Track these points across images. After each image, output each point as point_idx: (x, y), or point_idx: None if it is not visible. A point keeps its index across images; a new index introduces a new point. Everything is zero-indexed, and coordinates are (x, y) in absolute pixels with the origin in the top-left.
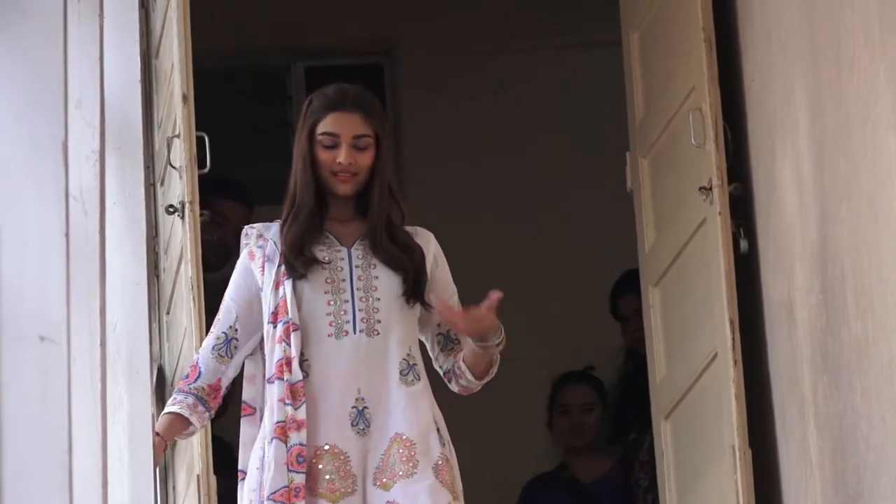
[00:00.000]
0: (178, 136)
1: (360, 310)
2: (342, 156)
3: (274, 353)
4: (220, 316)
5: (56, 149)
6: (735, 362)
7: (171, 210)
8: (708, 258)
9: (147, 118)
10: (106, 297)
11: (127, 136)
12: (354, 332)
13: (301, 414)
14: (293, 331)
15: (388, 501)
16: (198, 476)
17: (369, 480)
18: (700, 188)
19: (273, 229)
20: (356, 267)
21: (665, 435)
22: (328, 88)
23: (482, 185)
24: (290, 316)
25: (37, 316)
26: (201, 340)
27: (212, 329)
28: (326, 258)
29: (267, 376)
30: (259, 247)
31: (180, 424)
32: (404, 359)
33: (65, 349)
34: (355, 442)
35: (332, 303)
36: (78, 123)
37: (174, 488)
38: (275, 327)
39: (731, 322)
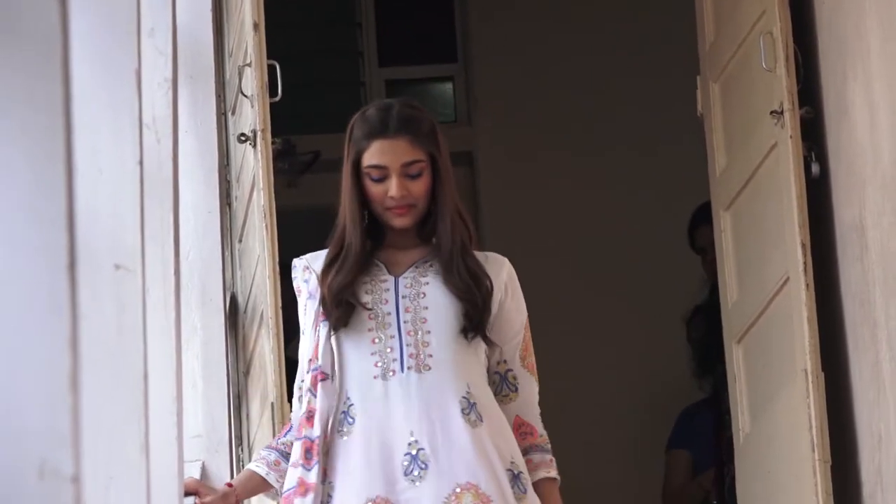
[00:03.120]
0: (249, 64)
1: (407, 345)
2: (393, 189)
3: (302, 405)
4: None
5: (129, 77)
6: (807, 285)
7: (243, 139)
8: (779, 182)
9: (218, 47)
10: (179, 226)
11: (199, 65)
12: (402, 370)
13: (311, 477)
14: (321, 380)
15: None
16: (272, 404)
17: None
18: (771, 112)
19: (320, 260)
20: (403, 298)
21: (737, 359)
22: (369, 109)
23: (553, 120)
24: (319, 363)
25: (112, 244)
26: (274, 269)
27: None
28: (369, 293)
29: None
30: (305, 281)
31: (258, 482)
32: (464, 397)
33: (139, 278)
34: (411, 492)
35: (377, 340)
36: (150, 52)
37: (248, 416)
38: (308, 375)
39: (803, 245)
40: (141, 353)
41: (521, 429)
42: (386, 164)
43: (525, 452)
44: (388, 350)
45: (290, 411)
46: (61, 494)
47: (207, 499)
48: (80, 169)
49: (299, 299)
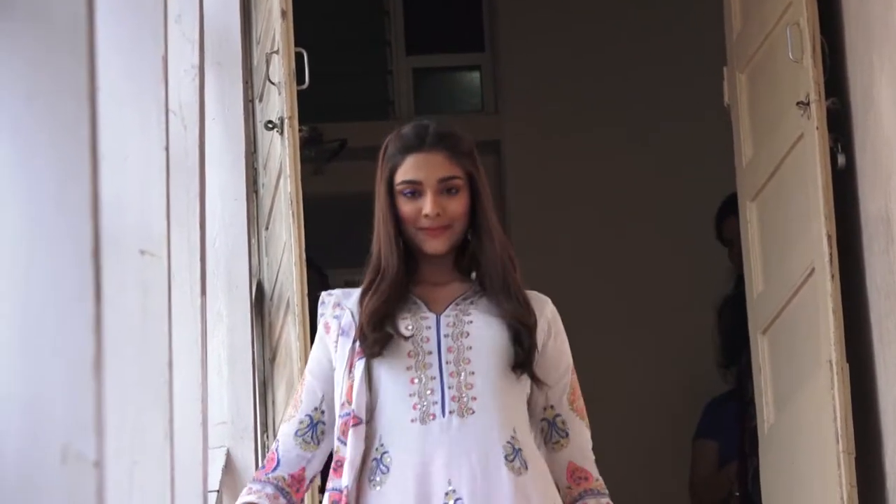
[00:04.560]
0: (276, 52)
1: (449, 387)
2: (428, 206)
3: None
4: (301, 397)
5: (155, 64)
6: (832, 277)
7: (270, 126)
8: (805, 173)
9: (245, 34)
10: (205, 213)
11: (226, 52)
12: (443, 415)
13: None
14: (353, 426)
15: None
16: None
17: None
18: (797, 103)
19: (353, 297)
20: (445, 336)
21: (762, 350)
22: (405, 128)
23: (580, 109)
24: (353, 407)
25: (137, 230)
26: (300, 256)
27: (289, 412)
28: (410, 328)
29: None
30: (335, 317)
31: None
32: (508, 442)
33: (165, 263)
34: None
35: (416, 381)
36: (177, 38)
37: (273, 403)
38: (339, 420)
39: (829, 237)
40: (166, 339)
41: (574, 474)
42: (420, 178)
43: (579, 498)
44: (429, 392)
45: (275, 447)
46: (83, 479)
47: None
48: (105, 155)
49: (326, 337)
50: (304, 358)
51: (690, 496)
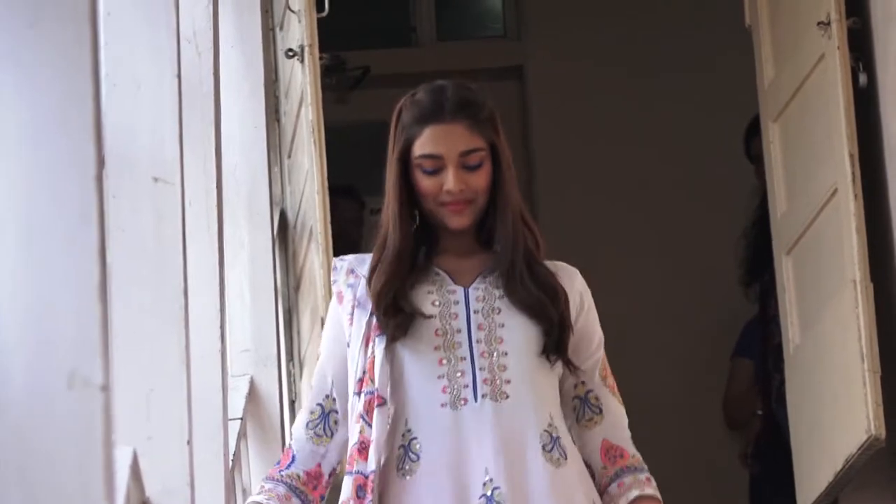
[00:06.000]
0: None
1: (481, 369)
2: (450, 181)
3: (352, 434)
4: (313, 382)
5: None
6: (855, 196)
7: (291, 54)
8: (827, 93)
9: None
10: (221, 140)
11: None
12: (476, 400)
13: None
14: (377, 405)
15: None
16: (322, 318)
17: None
18: (818, 23)
19: (366, 265)
20: (475, 313)
21: (787, 270)
22: (418, 93)
23: (603, 33)
24: (376, 385)
25: (150, 157)
26: (323, 184)
27: (305, 400)
28: (437, 303)
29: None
30: (349, 285)
31: None
32: (545, 430)
33: (178, 190)
34: None
35: (444, 362)
36: None
37: (299, 332)
38: (359, 398)
39: (851, 156)
40: (181, 266)
41: (609, 452)
42: (441, 153)
43: (616, 477)
44: (458, 374)
45: (290, 442)
46: (91, 403)
47: None
48: (116, 82)
49: (339, 308)
50: (328, 286)
51: (724, 414)
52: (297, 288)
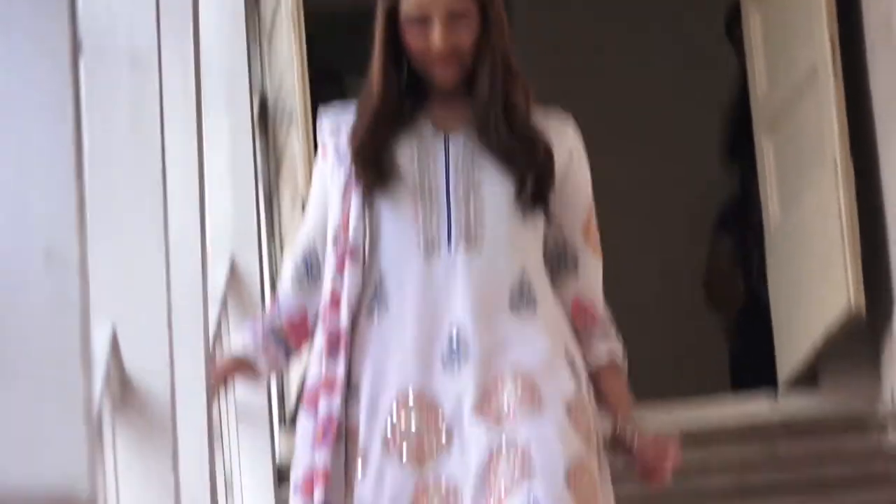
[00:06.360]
0: None
1: (456, 220)
2: (436, 37)
3: (325, 288)
4: (300, 233)
5: None
6: (835, 75)
7: None
8: None
9: None
10: (199, 24)
11: None
12: (449, 251)
13: (339, 371)
14: (350, 258)
15: (496, 448)
16: (302, 200)
17: (466, 428)
18: None
19: (350, 114)
20: (454, 162)
21: (767, 150)
22: None
23: None
24: (350, 238)
25: (126, 40)
26: (302, 69)
27: (290, 253)
28: (414, 155)
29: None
30: (332, 134)
31: (242, 365)
32: (518, 284)
33: (156, 73)
34: (448, 381)
35: (419, 211)
36: None
37: (279, 213)
38: (334, 252)
39: (831, 38)
40: (158, 147)
41: (579, 312)
42: (428, 10)
43: (585, 339)
44: (433, 225)
45: (278, 289)
46: (67, 280)
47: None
48: None
49: (322, 161)
50: (308, 170)
51: (705, 293)
52: (278, 171)
